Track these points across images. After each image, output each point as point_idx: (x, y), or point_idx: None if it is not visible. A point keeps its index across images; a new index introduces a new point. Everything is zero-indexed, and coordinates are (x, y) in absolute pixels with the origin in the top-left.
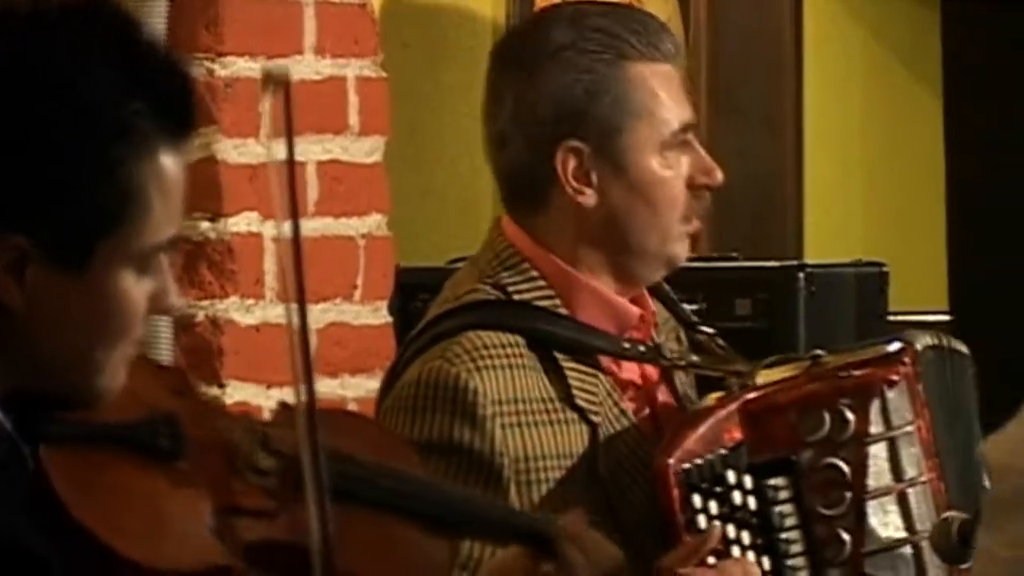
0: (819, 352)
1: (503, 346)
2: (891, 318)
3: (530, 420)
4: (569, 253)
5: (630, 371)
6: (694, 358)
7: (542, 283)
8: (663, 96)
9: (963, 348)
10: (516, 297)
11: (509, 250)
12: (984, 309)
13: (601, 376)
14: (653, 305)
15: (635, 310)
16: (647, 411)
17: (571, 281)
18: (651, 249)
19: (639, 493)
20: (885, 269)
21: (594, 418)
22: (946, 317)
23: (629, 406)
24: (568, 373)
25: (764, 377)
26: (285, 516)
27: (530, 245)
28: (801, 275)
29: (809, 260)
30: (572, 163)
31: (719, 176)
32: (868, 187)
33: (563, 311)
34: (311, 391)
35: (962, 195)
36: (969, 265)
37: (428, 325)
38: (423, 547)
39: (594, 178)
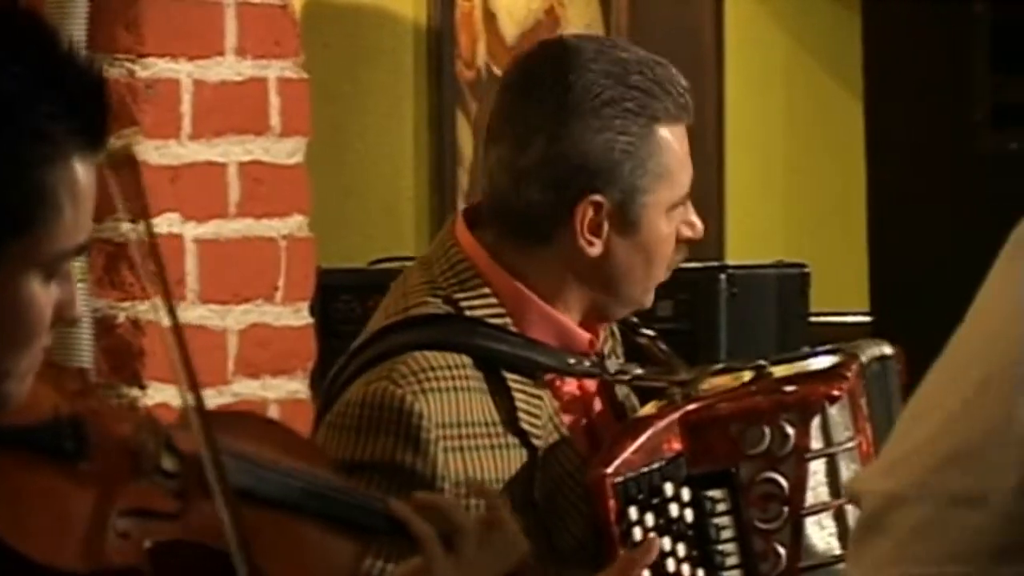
0: (762, 363)
1: (449, 367)
2: (813, 319)
3: (472, 444)
4: (549, 286)
5: (569, 383)
6: (638, 371)
7: (494, 301)
8: (683, 159)
9: (889, 350)
10: (468, 314)
11: (464, 263)
12: (905, 310)
13: (546, 397)
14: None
15: (585, 336)
16: (584, 423)
17: (524, 302)
18: (634, 299)
19: (576, 518)
20: (807, 270)
21: (536, 442)
22: (867, 318)
23: (567, 419)
24: (515, 394)
25: (706, 387)
26: (191, 517)
27: (486, 260)
28: (723, 276)
29: (730, 261)
30: (590, 214)
31: (701, 231)
32: (789, 188)
33: (513, 330)
34: (198, 394)
35: (883, 196)
36: (890, 266)
37: (375, 337)
38: (328, 547)
39: (605, 231)
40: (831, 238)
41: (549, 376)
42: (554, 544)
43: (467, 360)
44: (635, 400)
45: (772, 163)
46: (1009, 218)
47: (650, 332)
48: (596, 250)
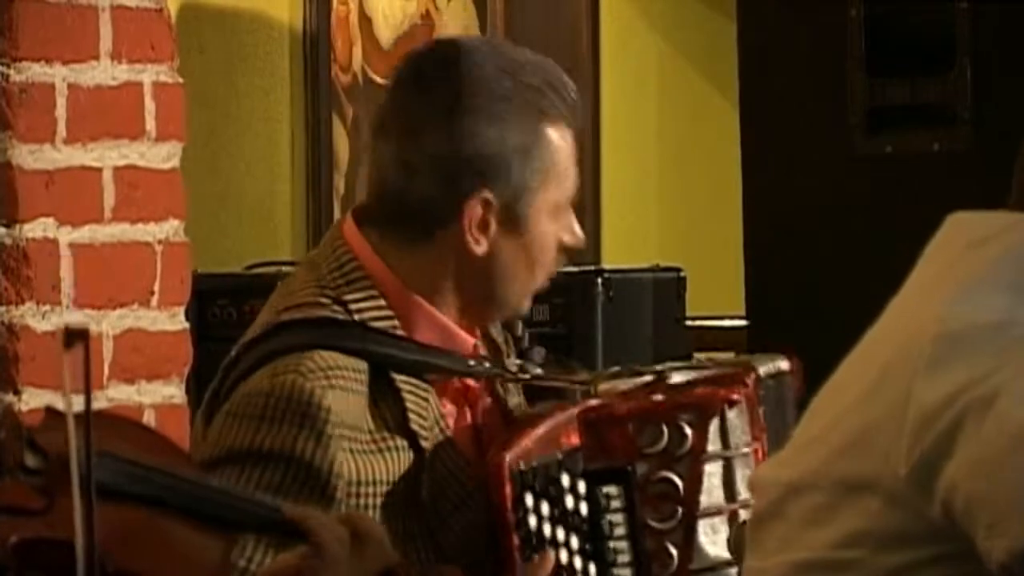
0: (661, 368)
1: (351, 369)
2: (689, 323)
3: (363, 448)
4: (427, 285)
5: (459, 388)
6: (538, 371)
7: (382, 303)
8: (571, 160)
9: (784, 365)
10: (357, 316)
11: (352, 263)
12: (780, 313)
13: (432, 399)
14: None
15: (469, 340)
16: (470, 424)
17: (410, 303)
18: (511, 302)
19: (460, 520)
20: (682, 274)
21: (423, 443)
22: (742, 322)
23: (451, 416)
24: (405, 396)
25: (606, 387)
26: (54, 514)
27: (373, 259)
28: (599, 280)
29: (606, 265)
30: (479, 212)
31: (582, 239)
32: (664, 192)
33: (400, 332)
34: (88, 395)
35: (758, 200)
36: (765, 269)
37: (271, 333)
38: (196, 544)
39: (492, 231)
40: (706, 242)
41: (435, 378)
42: (439, 544)
43: (363, 365)
44: (522, 401)
45: (647, 167)
46: (884, 221)
47: (542, 351)
48: (482, 249)
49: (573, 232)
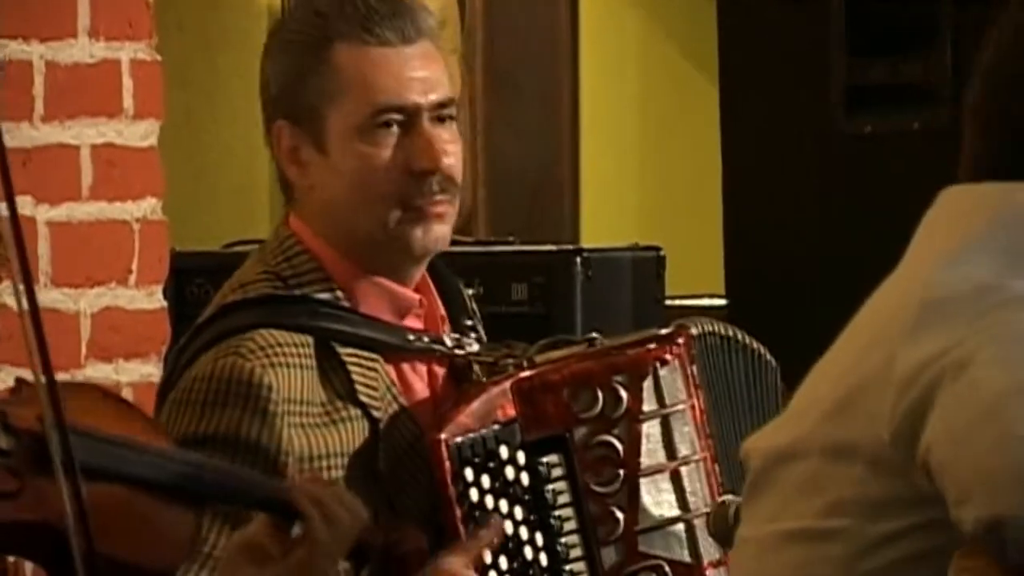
0: (595, 336)
1: (294, 345)
2: (668, 302)
3: (315, 422)
4: (325, 237)
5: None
6: (474, 348)
7: (322, 274)
8: (368, 79)
9: (754, 344)
10: (298, 291)
11: (291, 240)
12: (759, 293)
13: (380, 369)
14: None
15: (414, 296)
16: (428, 398)
17: (349, 271)
18: (371, 234)
19: (419, 489)
20: (662, 253)
21: (376, 413)
22: (722, 302)
23: (414, 394)
24: (351, 368)
25: (540, 357)
26: (29, 495)
27: (310, 235)
28: (578, 259)
29: (585, 244)
30: (285, 142)
31: (443, 161)
32: (644, 171)
33: (345, 303)
34: (49, 372)
35: (738, 179)
36: (745, 249)
37: (216, 316)
38: (167, 518)
39: (304, 159)
40: (686, 222)
41: (387, 351)
42: (399, 514)
43: (308, 339)
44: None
45: (627, 146)
46: (864, 200)
47: (475, 333)
48: (305, 180)
49: (422, 153)
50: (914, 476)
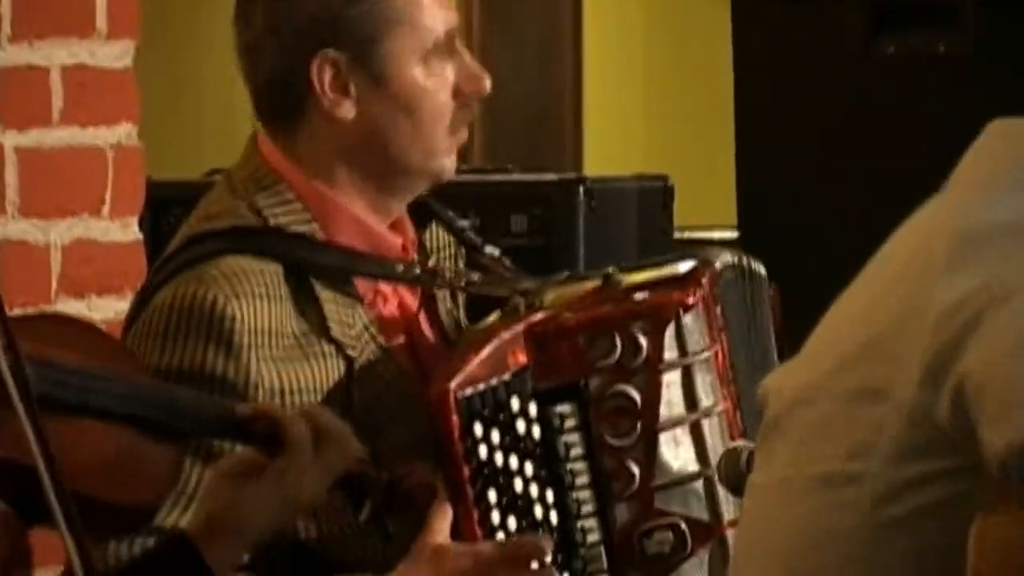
0: (610, 270)
1: (262, 273)
2: (676, 235)
3: (285, 355)
4: (326, 171)
5: (390, 305)
6: (474, 277)
7: (298, 206)
8: (423, 5)
9: (762, 269)
10: (272, 221)
11: (264, 168)
12: (772, 225)
13: (359, 308)
14: (433, 231)
15: (396, 240)
16: (406, 345)
17: (328, 205)
18: (415, 164)
19: (398, 431)
20: (670, 183)
21: (350, 352)
22: (733, 233)
23: (388, 340)
24: (325, 304)
25: (552, 297)
26: None
27: (286, 164)
28: (580, 189)
29: (588, 173)
30: (328, 74)
31: (487, 84)
32: (650, 96)
33: (320, 237)
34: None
35: (751, 104)
36: (757, 179)
37: (180, 248)
38: (144, 454)
39: (352, 89)
40: (695, 149)
41: (367, 297)
42: (374, 457)
43: (278, 269)
44: (461, 319)
45: (632, 70)
46: (884, 125)
47: (494, 251)
48: (348, 113)
49: (470, 77)
50: (940, 417)
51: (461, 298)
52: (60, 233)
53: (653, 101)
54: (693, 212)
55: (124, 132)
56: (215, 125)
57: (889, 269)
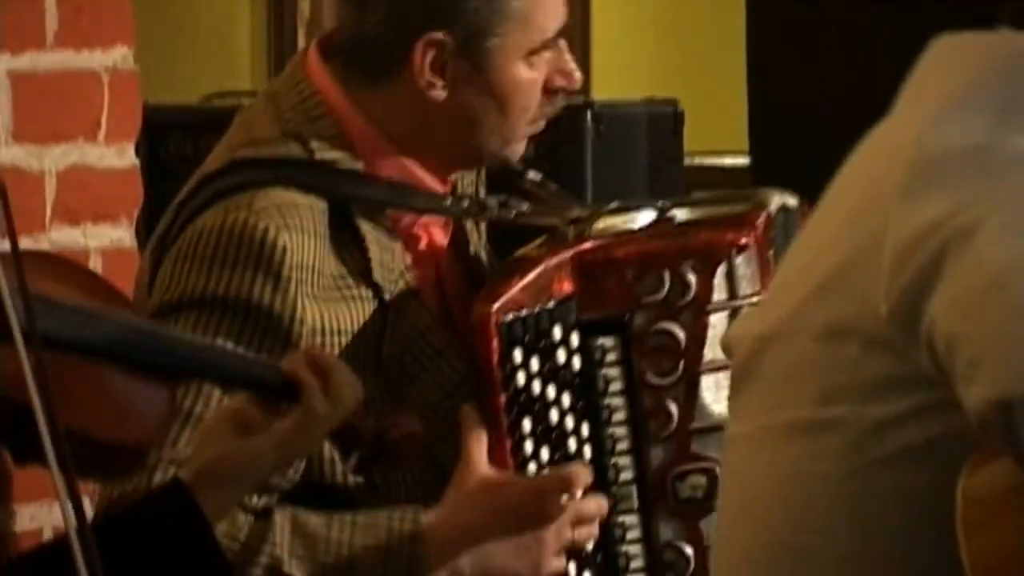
0: (663, 203)
1: (310, 208)
2: (687, 161)
3: (327, 295)
4: (394, 126)
5: (420, 242)
6: (524, 207)
7: (347, 143)
8: (542, 4)
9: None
10: (318, 155)
11: (315, 98)
12: (785, 151)
13: (398, 250)
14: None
15: (434, 181)
16: (434, 279)
17: (377, 148)
18: (491, 151)
19: (428, 381)
20: (680, 108)
21: (387, 296)
22: (744, 160)
23: (417, 274)
24: (369, 245)
25: (602, 226)
26: None
27: (340, 97)
28: (588, 114)
29: (596, 98)
30: (431, 54)
31: (578, 80)
32: (659, 19)
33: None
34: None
35: (763, 23)
36: (770, 104)
37: (224, 171)
38: (140, 393)
39: (450, 73)
40: (706, 73)
41: (407, 231)
42: (401, 405)
43: (323, 206)
44: (490, 257)
45: None
46: (902, 49)
47: (536, 175)
48: (439, 92)
49: (567, 73)
50: (915, 354)
51: (485, 232)
52: (54, 159)
53: (662, 23)
54: (704, 138)
55: (120, 55)
56: (213, 49)
57: (847, 200)
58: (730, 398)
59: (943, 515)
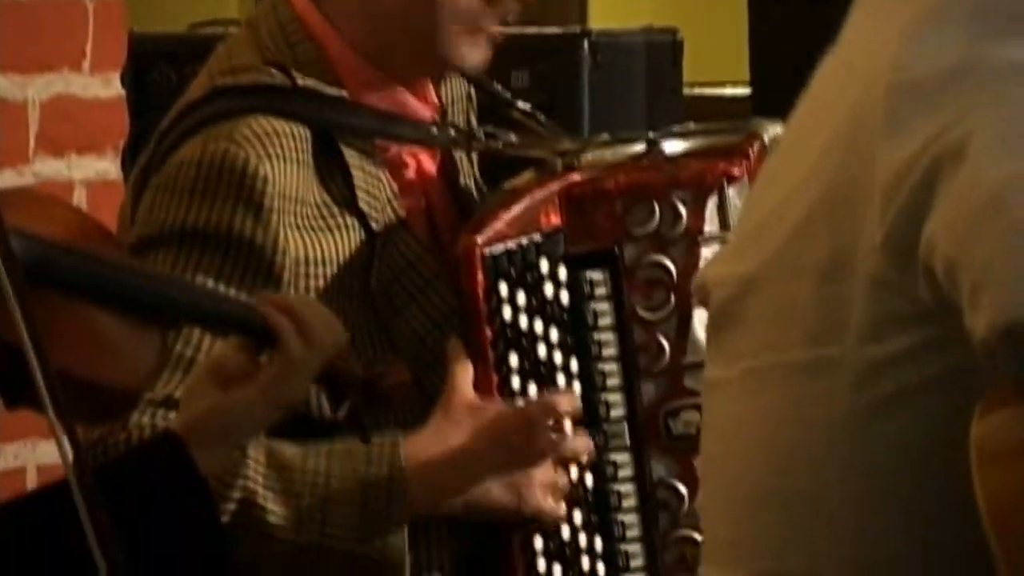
0: (653, 135)
1: (292, 136)
2: (686, 91)
3: (310, 224)
4: (356, 38)
5: (409, 169)
6: (512, 138)
7: (327, 67)
8: None
9: None
10: (300, 82)
11: (295, 24)
12: (787, 81)
13: (384, 178)
14: (444, 89)
15: (425, 110)
16: (424, 209)
17: (359, 73)
18: (431, 52)
19: (416, 313)
20: (679, 37)
21: (374, 225)
22: (746, 90)
23: (405, 204)
24: (354, 172)
25: (591, 158)
26: None
27: (319, 21)
28: (585, 43)
29: (593, 26)
30: None
31: None
32: None
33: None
34: None
35: None
36: (772, 32)
37: (204, 100)
38: (131, 335)
39: None
40: (705, 2)
41: (393, 160)
42: (391, 338)
43: (306, 133)
44: (480, 185)
45: None
46: None
47: (525, 106)
48: None
49: None
50: (913, 287)
51: (476, 161)
52: (38, 89)
53: None
54: (704, 68)
55: None
56: None
57: (821, 132)
58: (709, 342)
59: (949, 458)
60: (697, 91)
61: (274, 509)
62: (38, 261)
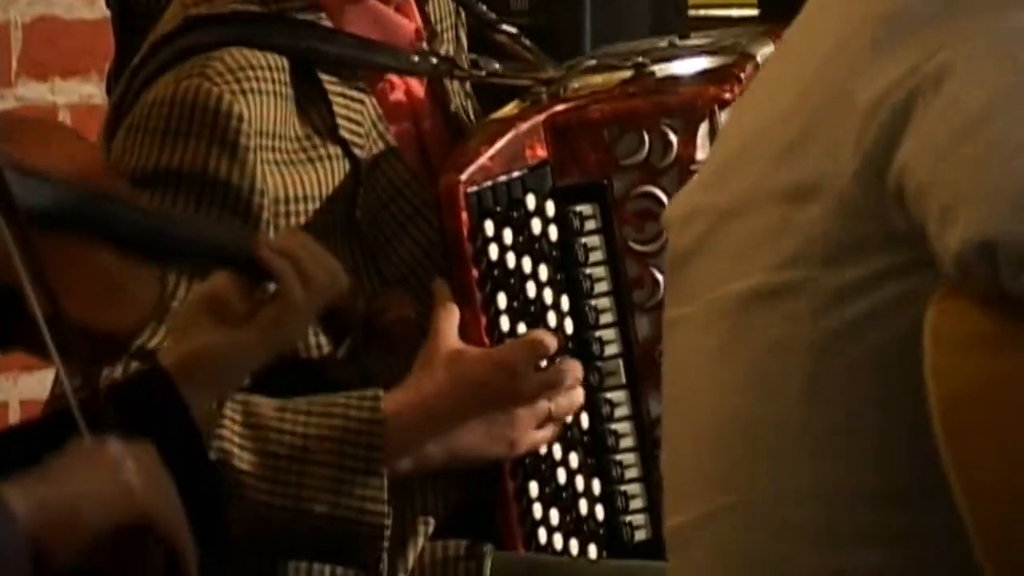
0: (642, 60)
1: (268, 68)
2: (691, 12)
3: (289, 159)
4: None
5: (397, 92)
6: (496, 66)
7: None
8: None
9: None
10: (275, 6)
11: None
12: (794, 4)
13: (368, 102)
14: (431, 6)
15: (408, 25)
16: (413, 134)
17: None
18: None
19: (405, 240)
20: None
21: (358, 152)
22: (753, 11)
23: (394, 130)
24: (333, 99)
25: (578, 86)
26: None
27: None
28: None
29: None
30: None
31: None
32: None
33: (327, 24)
34: None
35: None
36: None
37: (177, 32)
38: (129, 275)
39: None
40: None
41: (374, 83)
42: (380, 269)
43: (283, 63)
44: (473, 109)
45: None
46: None
47: (511, 29)
48: None
49: None
50: (883, 211)
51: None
52: (20, 10)
53: None
54: None
55: None
56: None
57: (808, 62)
58: (668, 282)
59: (909, 383)
60: (703, 12)
61: (249, 470)
62: (35, 199)
